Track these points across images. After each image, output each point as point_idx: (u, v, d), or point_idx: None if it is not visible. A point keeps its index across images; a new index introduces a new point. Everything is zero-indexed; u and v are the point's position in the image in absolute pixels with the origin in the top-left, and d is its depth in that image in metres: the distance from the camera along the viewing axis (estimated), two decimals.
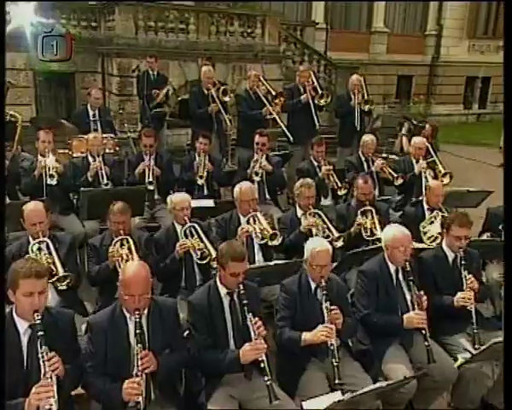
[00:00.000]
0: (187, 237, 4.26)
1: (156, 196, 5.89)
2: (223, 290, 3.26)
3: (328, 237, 4.64)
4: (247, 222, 4.58)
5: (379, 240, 4.52)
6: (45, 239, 3.73)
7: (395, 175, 6.23)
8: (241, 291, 3.14)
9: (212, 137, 6.70)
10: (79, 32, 11.48)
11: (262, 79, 7.54)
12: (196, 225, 4.30)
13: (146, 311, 2.98)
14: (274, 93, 7.31)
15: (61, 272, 3.56)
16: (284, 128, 7.30)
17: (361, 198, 4.93)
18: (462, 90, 20.19)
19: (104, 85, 11.74)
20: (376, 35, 18.40)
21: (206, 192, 6.14)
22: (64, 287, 3.58)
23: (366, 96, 7.55)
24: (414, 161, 6.49)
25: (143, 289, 2.87)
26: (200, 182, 5.96)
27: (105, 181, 5.43)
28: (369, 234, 4.70)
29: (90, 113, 7.46)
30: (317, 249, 3.43)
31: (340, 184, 5.98)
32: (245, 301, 3.11)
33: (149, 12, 11.11)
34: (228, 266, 3.16)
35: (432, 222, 5.06)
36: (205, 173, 5.97)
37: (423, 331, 3.48)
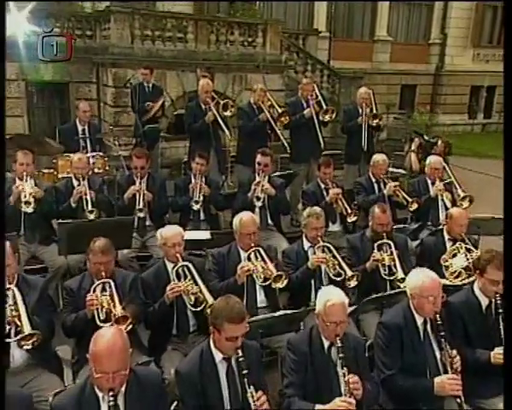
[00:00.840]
0: (179, 279, 3.70)
1: (148, 223, 5.35)
2: (218, 356, 2.74)
3: (339, 275, 4.10)
4: (248, 258, 4.02)
5: (399, 280, 3.99)
6: (11, 286, 3.16)
7: (409, 199, 5.69)
8: (240, 358, 2.60)
9: (209, 156, 6.19)
10: (74, 41, 11.00)
11: (268, 94, 7.01)
12: (190, 265, 3.74)
13: (123, 388, 2.43)
14: (279, 111, 6.79)
15: (26, 329, 2.98)
16: (285, 142, 6.84)
17: (377, 229, 4.39)
18: (467, 100, 19.72)
19: (99, 96, 11.26)
20: (379, 44, 17.95)
21: (202, 217, 5.61)
22: (29, 346, 3.01)
23: (375, 110, 7.03)
24: (429, 182, 5.97)
25: (119, 365, 2.34)
26: (195, 207, 5.42)
27: (89, 208, 4.86)
28: (387, 272, 4.14)
29: (79, 128, 6.94)
30: (331, 303, 2.89)
31: (349, 210, 5.44)
32: (244, 372, 2.57)
33: (146, 20, 10.61)
34: (224, 329, 2.65)
35: (455, 255, 4.51)
36: (201, 198, 5.43)
37: (458, 400, 2.92)
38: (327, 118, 6.83)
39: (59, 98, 11.74)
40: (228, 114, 6.75)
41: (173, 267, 3.75)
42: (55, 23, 10.78)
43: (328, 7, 16.53)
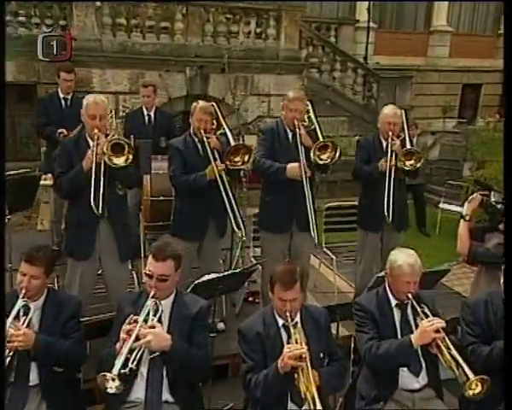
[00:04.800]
0: None
1: None
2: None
3: None
4: None
5: None
6: None
7: None
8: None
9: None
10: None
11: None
12: None
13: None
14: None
15: None
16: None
17: None
18: None
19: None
20: (437, 35, 14.74)
21: None
22: None
23: (409, 145, 4.26)
24: None
25: None
26: None
27: None
28: None
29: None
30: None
31: None
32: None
33: (119, 5, 8.23)
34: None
35: None
36: None
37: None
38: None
39: (25, 102, 9.61)
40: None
41: None
42: (17, 10, 8.62)
43: None
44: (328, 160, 3.86)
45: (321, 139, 3.91)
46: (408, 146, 4.23)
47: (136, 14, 8.34)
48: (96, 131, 3.29)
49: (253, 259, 4.62)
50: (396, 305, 3.01)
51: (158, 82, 8.39)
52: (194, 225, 3.89)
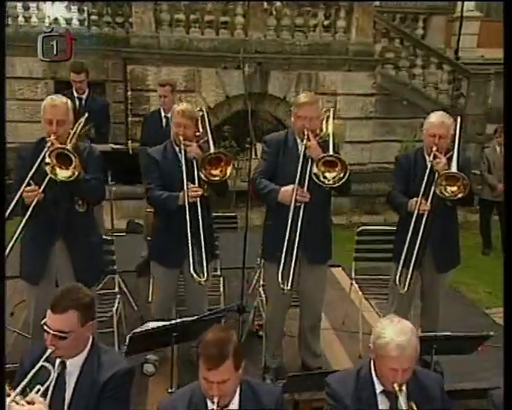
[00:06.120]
0: None
1: None
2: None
3: None
4: None
5: None
6: None
7: None
8: None
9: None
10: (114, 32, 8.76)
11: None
12: None
13: None
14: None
15: None
16: None
17: None
18: None
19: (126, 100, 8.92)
20: None
21: None
22: None
23: (454, 166, 3.33)
24: None
25: None
26: None
27: None
28: None
29: None
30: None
31: None
32: None
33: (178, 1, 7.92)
34: None
35: None
36: None
37: None
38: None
39: None
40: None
41: None
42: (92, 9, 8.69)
43: None
44: (332, 181, 3.11)
45: (331, 152, 3.16)
46: (453, 168, 3.32)
47: (194, 9, 7.97)
48: (51, 137, 2.87)
49: (261, 289, 3.98)
50: (382, 392, 2.23)
51: (214, 80, 8.10)
52: (171, 248, 3.31)
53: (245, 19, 8.09)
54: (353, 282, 4.33)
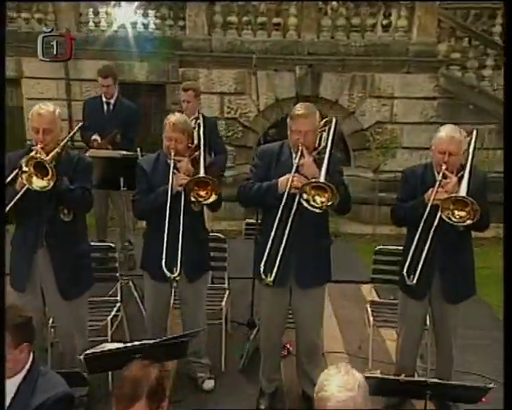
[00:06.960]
0: None
1: None
2: None
3: None
4: None
5: None
6: None
7: None
8: None
9: None
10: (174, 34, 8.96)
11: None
12: None
13: None
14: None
15: None
16: None
17: None
18: None
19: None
20: None
21: None
22: None
23: (464, 189, 2.95)
24: None
25: None
26: None
27: None
28: None
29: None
30: None
31: None
32: None
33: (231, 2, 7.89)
34: None
35: None
36: None
37: None
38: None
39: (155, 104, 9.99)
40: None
41: None
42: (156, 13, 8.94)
43: None
44: (319, 206, 2.88)
45: (322, 177, 2.91)
46: (462, 191, 2.95)
47: (247, 11, 7.90)
48: (37, 146, 2.92)
49: None
50: None
51: (265, 83, 7.97)
52: (159, 260, 3.14)
53: (298, 19, 7.89)
54: (368, 306, 4.03)
